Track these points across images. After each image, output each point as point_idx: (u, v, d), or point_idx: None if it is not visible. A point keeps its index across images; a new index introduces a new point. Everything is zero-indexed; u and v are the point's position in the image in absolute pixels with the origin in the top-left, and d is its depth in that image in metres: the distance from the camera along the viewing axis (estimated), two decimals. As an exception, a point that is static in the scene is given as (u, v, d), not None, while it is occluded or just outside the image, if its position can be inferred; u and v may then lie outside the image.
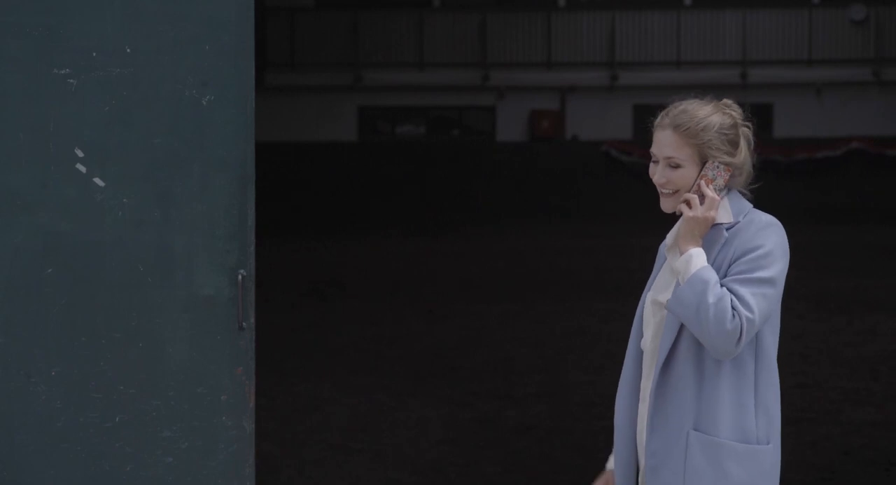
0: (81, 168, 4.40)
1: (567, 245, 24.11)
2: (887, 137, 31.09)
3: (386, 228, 27.19)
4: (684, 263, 3.75)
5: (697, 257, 3.73)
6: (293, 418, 9.80)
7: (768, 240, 3.75)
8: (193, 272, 4.45)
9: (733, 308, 3.66)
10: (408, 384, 11.18)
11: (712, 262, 3.76)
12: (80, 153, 4.40)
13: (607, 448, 9.02)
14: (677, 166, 3.81)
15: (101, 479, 4.44)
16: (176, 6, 4.43)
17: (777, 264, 3.76)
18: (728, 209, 3.81)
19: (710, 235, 3.80)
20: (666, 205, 3.88)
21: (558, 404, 10.32)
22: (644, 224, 30.50)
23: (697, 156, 3.79)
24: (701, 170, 3.79)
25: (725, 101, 3.88)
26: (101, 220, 4.40)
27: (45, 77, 4.39)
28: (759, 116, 32.05)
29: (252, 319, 4.51)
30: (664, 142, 3.83)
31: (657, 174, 3.86)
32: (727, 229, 3.78)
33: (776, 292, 3.78)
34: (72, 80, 4.39)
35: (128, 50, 4.41)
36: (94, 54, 4.40)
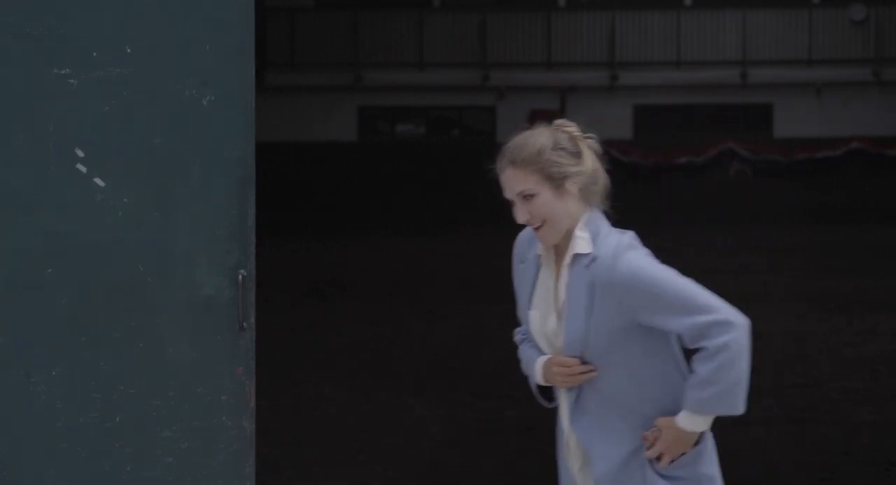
0: (81, 168, 4.39)
1: (567, 245, 24.07)
2: (887, 137, 31.09)
3: (386, 228, 27.18)
4: (692, 424, 3.76)
5: (687, 419, 3.74)
6: (293, 418, 9.80)
7: (644, 271, 3.73)
8: (193, 272, 4.45)
9: (711, 337, 3.66)
10: (408, 384, 11.18)
11: (589, 300, 3.73)
12: (80, 153, 4.40)
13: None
14: (532, 196, 3.81)
15: (101, 479, 4.44)
16: (176, 6, 4.43)
17: (665, 276, 3.74)
18: (587, 238, 3.81)
19: (576, 270, 3.79)
20: (545, 239, 3.85)
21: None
22: (643, 224, 30.44)
23: (545, 179, 3.79)
24: (552, 185, 3.78)
25: (558, 121, 3.91)
26: (101, 220, 4.40)
27: (45, 77, 4.39)
28: (759, 116, 32.14)
29: (252, 319, 4.51)
30: (509, 181, 3.84)
31: (518, 214, 3.85)
32: (587, 266, 3.77)
33: (686, 282, 3.74)
34: (72, 81, 4.39)
35: (128, 50, 4.41)
36: (94, 54, 4.40)
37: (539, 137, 3.83)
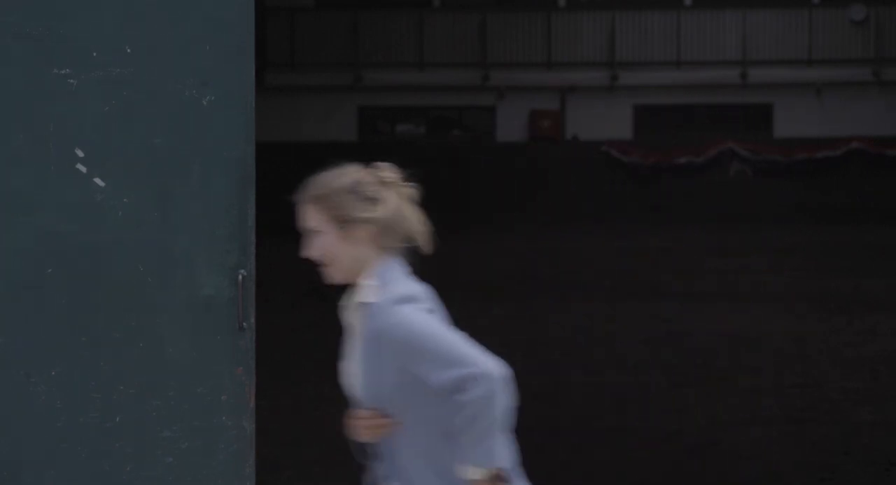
0: (81, 168, 4.39)
1: (567, 245, 24.11)
2: (887, 137, 31.10)
3: (386, 228, 27.14)
4: (467, 473, 3.67)
5: (463, 469, 3.67)
6: (293, 418, 9.80)
7: (410, 325, 3.68)
8: (193, 272, 4.45)
9: (464, 390, 3.64)
10: (408, 384, 11.17)
11: (372, 350, 3.72)
12: (80, 153, 4.40)
13: (607, 448, 9.02)
14: (318, 232, 3.78)
15: (101, 479, 4.44)
16: (176, 6, 4.43)
17: (429, 330, 3.71)
18: (374, 287, 3.76)
19: (365, 319, 3.76)
20: (329, 277, 3.85)
21: (558, 404, 10.31)
22: (643, 224, 30.52)
23: (331, 219, 3.75)
24: (338, 227, 3.74)
25: (378, 164, 3.85)
26: (101, 220, 4.40)
27: (45, 77, 4.39)
28: (760, 116, 32.14)
29: (252, 319, 4.51)
30: (303, 215, 3.82)
31: (306, 248, 3.83)
32: (371, 316, 3.73)
33: (450, 336, 3.73)
34: (72, 81, 4.39)
35: (128, 50, 4.41)
36: (94, 54, 4.40)
37: (341, 177, 3.78)
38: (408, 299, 3.73)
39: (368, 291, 3.76)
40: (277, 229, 25.44)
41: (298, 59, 31.46)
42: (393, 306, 3.71)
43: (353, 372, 3.89)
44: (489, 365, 3.71)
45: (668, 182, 30.45)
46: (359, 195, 3.75)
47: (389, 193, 3.80)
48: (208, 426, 4.48)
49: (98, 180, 4.40)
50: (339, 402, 11.33)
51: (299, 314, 15.34)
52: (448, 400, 3.69)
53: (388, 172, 3.83)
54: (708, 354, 12.66)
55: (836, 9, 31.70)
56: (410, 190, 3.86)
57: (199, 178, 4.45)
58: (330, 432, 9.56)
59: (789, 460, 8.55)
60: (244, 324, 4.47)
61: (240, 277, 4.45)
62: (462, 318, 15.23)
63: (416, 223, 3.84)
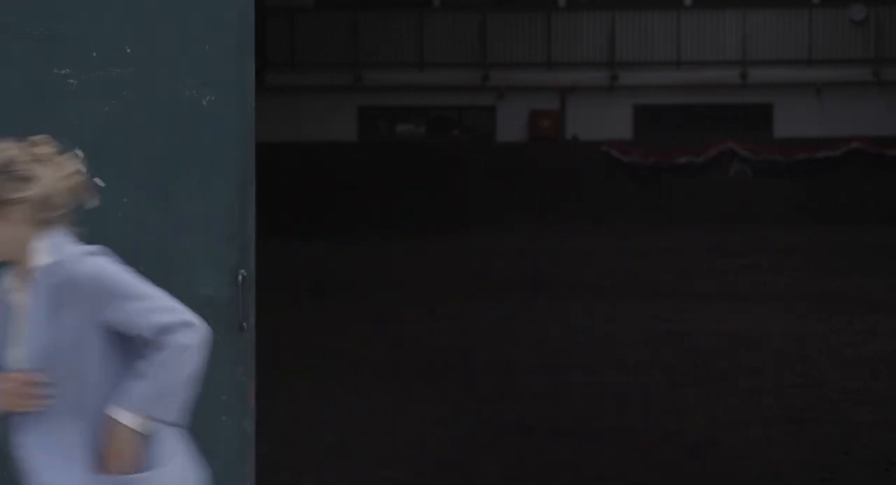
0: (82, 168, 4.39)
1: (567, 245, 24.11)
2: (887, 137, 31.09)
3: (386, 228, 27.19)
4: (121, 415, 3.57)
5: (118, 411, 3.57)
6: (293, 418, 9.80)
7: (109, 270, 3.61)
8: (193, 272, 4.45)
9: (174, 333, 3.57)
10: (408, 384, 11.18)
11: (51, 305, 3.56)
12: (80, 153, 4.40)
13: (607, 448, 9.03)
14: None
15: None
16: (176, 6, 4.43)
17: (131, 277, 3.65)
18: (46, 249, 3.60)
19: (38, 282, 3.59)
20: None
21: (558, 404, 10.32)
22: (643, 224, 30.53)
23: None
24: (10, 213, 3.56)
25: (33, 138, 3.65)
26: (101, 220, 4.40)
27: (45, 77, 4.39)
28: (759, 116, 32.13)
29: (252, 320, 4.51)
30: None
31: None
32: (49, 274, 3.58)
33: (151, 287, 3.66)
34: (72, 81, 4.40)
35: (128, 50, 4.42)
36: (94, 54, 4.40)
37: None
38: (97, 252, 3.64)
39: (39, 254, 3.59)
40: (277, 229, 25.42)
41: (298, 59, 31.45)
42: (83, 258, 3.60)
43: (19, 352, 3.64)
44: (198, 320, 3.63)
45: (668, 182, 30.45)
46: (10, 176, 3.55)
47: (44, 170, 3.59)
48: (208, 426, 4.47)
49: (98, 181, 4.40)
50: (339, 402, 11.35)
51: (299, 314, 15.34)
52: (132, 355, 3.58)
53: (42, 146, 3.63)
54: (708, 354, 12.65)
55: (836, 9, 31.70)
56: (69, 162, 3.66)
57: (199, 178, 4.45)
58: (330, 432, 9.57)
59: (789, 460, 8.55)
60: (244, 324, 4.47)
61: (240, 277, 4.45)
62: (463, 317, 15.17)
63: (74, 195, 3.66)
